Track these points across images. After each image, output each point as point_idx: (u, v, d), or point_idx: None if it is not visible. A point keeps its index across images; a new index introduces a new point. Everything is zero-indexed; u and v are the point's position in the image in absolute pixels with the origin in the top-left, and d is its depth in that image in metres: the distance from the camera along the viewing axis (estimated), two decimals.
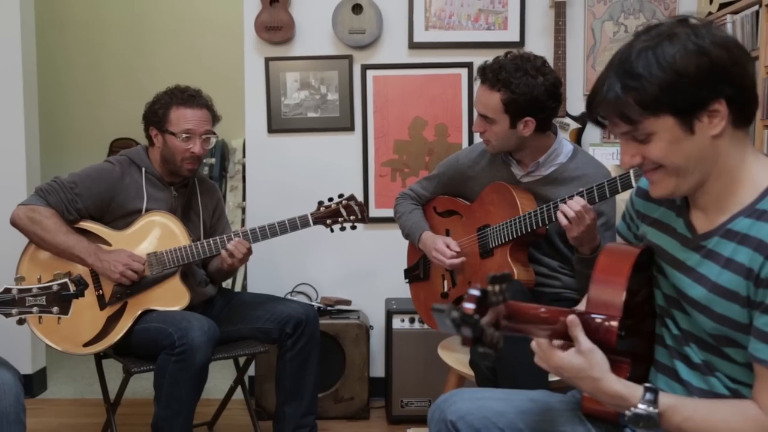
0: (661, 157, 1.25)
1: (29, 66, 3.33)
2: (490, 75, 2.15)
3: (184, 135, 2.47)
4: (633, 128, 1.24)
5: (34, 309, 1.76)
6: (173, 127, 2.48)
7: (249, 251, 2.47)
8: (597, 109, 1.26)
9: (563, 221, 2.01)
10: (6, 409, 1.78)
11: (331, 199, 2.53)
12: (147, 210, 2.48)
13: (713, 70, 1.18)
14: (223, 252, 2.43)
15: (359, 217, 2.53)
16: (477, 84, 2.24)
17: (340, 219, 2.52)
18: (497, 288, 1.11)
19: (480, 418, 1.42)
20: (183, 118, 2.48)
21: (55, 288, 1.77)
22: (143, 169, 2.52)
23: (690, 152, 1.23)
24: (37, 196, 2.42)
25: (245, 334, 2.57)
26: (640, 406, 1.20)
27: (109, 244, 2.44)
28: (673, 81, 1.18)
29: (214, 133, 2.58)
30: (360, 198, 3.19)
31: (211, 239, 2.45)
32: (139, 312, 2.41)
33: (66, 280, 1.78)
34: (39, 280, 1.83)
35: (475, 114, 2.27)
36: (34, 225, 2.38)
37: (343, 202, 2.52)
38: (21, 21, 3.25)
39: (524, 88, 2.12)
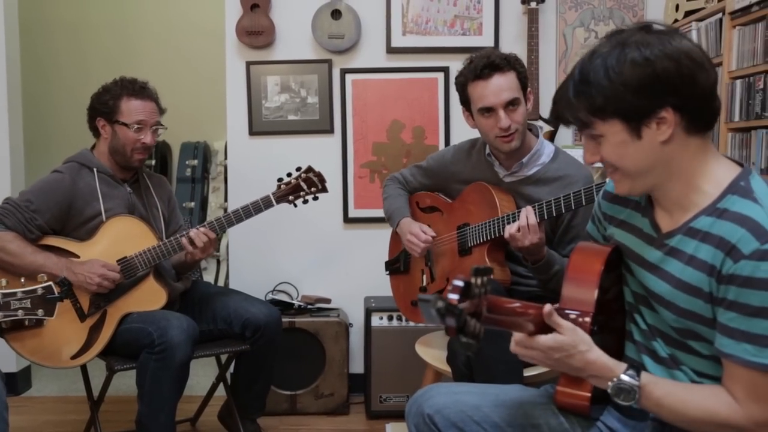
0: (611, 159, 1.30)
1: (13, 68, 3.33)
2: (498, 61, 2.18)
3: (137, 126, 2.46)
4: (588, 130, 1.30)
5: (20, 312, 1.75)
6: (125, 117, 2.47)
7: (211, 242, 2.43)
8: (556, 110, 1.34)
9: (506, 234, 2.10)
10: None
11: (289, 174, 2.50)
12: (106, 210, 2.44)
13: (656, 81, 1.21)
14: (183, 240, 2.40)
15: (320, 187, 2.50)
16: (483, 82, 2.18)
17: (301, 193, 2.49)
18: (480, 280, 1.13)
19: (456, 412, 1.46)
20: (134, 109, 2.47)
21: (39, 291, 1.76)
22: (95, 170, 2.49)
23: (638, 156, 1.27)
24: None
25: (216, 334, 2.57)
26: (623, 376, 1.26)
27: (77, 256, 2.41)
28: (616, 90, 1.23)
29: (163, 125, 2.57)
30: (339, 199, 3.27)
31: (179, 235, 2.43)
32: (120, 317, 2.41)
33: (50, 283, 1.78)
34: (22, 284, 1.80)
35: (501, 115, 2.17)
36: None
37: (302, 175, 2.49)
38: (5, 23, 3.24)
39: (519, 61, 2.25)
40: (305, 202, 2.52)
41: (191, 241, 2.40)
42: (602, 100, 1.24)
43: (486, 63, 2.17)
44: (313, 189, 2.50)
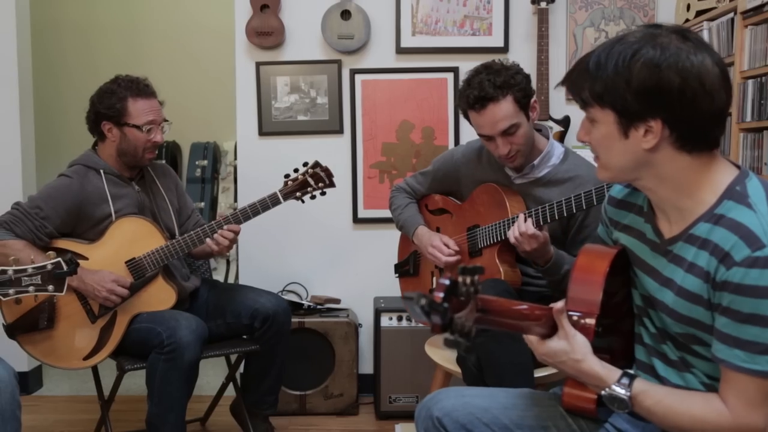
0: (597, 147, 1.31)
1: (25, 70, 3.34)
2: (491, 90, 2.10)
3: (148, 127, 2.44)
4: (587, 110, 1.30)
5: (30, 288, 1.78)
6: (134, 119, 2.43)
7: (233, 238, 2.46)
8: (569, 78, 1.32)
9: (512, 240, 2.11)
10: (2, 406, 1.81)
11: (296, 170, 2.48)
12: (116, 212, 2.43)
13: (655, 91, 1.20)
14: (208, 241, 2.41)
15: (327, 182, 2.48)
16: (476, 113, 2.16)
17: (309, 189, 2.47)
18: (467, 279, 1.11)
19: (465, 414, 1.47)
20: (143, 110, 2.43)
21: (49, 267, 1.79)
22: (101, 171, 2.46)
23: (620, 153, 1.28)
24: (3, 230, 2.34)
25: (225, 330, 2.56)
26: (614, 387, 1.28)
27: (86, 258, 2.40)
28: (617, 84, 1.22)
29: (168, 120, 2.54)
30: (348, 199, 3.27)
31: (186, 235, 2.42)
32: (130, 318, 2.41)
33: (59, 259, 1.81)
34: (32, 261, 1.83)
35: (499, 143, 2.17)
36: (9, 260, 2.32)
37: (309, 171, 2.47)
38: (17, 25, 3.26)
39: (518, 77, 2.15)
40: (313, 197, 2.50)
41: (217, 243, 2.43)
42: (602, 88, 1.24)
43: (477, 96, 2.12)
44: (320, 184, 2.48)
